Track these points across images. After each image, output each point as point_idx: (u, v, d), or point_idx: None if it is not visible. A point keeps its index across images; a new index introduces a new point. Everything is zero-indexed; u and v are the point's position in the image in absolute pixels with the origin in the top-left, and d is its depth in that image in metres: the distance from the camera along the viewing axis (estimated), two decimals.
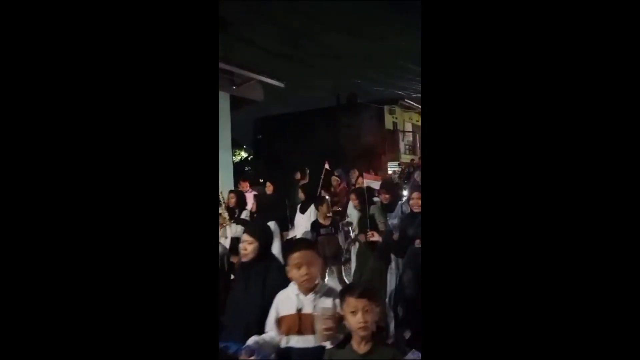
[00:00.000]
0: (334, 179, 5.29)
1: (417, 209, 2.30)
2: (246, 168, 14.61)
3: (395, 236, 2.50)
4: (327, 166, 5.97)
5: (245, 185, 4.97)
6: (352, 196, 3.32)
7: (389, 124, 13.31)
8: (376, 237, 2.62)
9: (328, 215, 3.38)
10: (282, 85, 6.49)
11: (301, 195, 3.69)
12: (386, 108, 12.88)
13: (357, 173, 6.50)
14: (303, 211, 3.54)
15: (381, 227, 2.93)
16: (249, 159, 15.66)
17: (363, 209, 3.11)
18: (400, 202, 3.03)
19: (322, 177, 5.82)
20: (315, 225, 3.26)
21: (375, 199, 3.25)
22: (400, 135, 14.02)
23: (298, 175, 5.93)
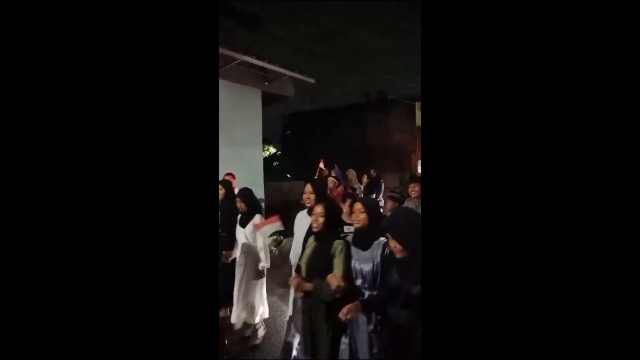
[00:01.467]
0: (331, 180, 4.45)
1: (398, 255, 1.42)
2: (274, 163, 14.82)
3: (367, 296, 1.61)
4: (322, 165, 5.23)
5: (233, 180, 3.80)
6: (319, 209, 1.84)
7: (419, 121, 12.98)
8: (350, 314, 1.48)
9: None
10: (313, 81, 6.51)
11: (240, 205, 2.73)
12: (417, 104, 12.55)
13: (353, 173, 6.00)
14: (244, 224, 2.73)
15: (337, 278, 1.61)
16: (278, 154, 15.87)
17: (325, 236, 1.79)
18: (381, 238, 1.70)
19: (316, 178, 5.02)
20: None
21: (347, 228, 1.97)
22: None
23: (325, 172, 5.91)
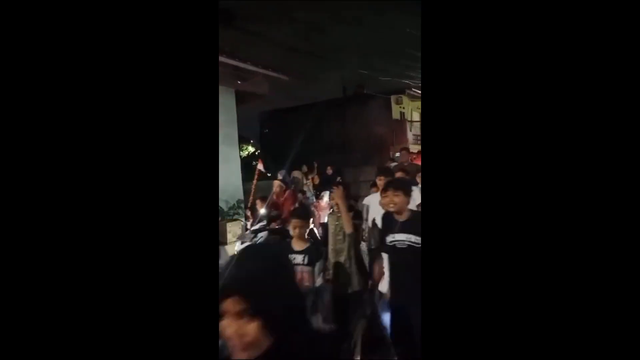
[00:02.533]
0: (277, 184, 3.71)
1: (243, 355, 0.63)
2: (253, 163, 14.64)
3: None
4: (260, 167, 4.51)
5: None
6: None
7: (396, 114, 13.12)
8: None
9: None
10: (286, 78, 6.46)
11: None
12: (393, 98, 12.68)
13: (300, 174, 5.36)
14: None
15: None
16: (257, 153, 15.69)
17: None
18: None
19: (255, 181, 4.37)
20: None
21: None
22: (408, 125, 13.83)
23: (305, 169, 5.86)
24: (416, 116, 14.88)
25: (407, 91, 13.37)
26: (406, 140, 13.10)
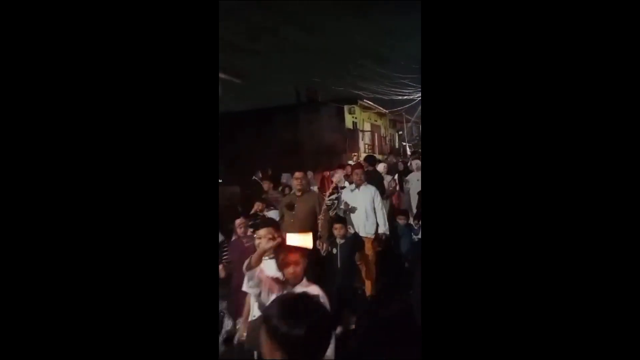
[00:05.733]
0: None
1: None
2: None
3: None
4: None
5: None
6: None
7: (349, 123, 13.46)
8: None
9: None
10: (237, 80, 6.25)
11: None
12: (346, 107, 13.00)
13: None
14: None
15: None
16: None
17: None
18: None
19: None
20: None
21: None
22: (360, 135, 14.27)
23: (259, 175, 5.71)
24: (367, 126, 15.43)
25: (360, 102, 13.82)
26: (358, 149, 13.47)
